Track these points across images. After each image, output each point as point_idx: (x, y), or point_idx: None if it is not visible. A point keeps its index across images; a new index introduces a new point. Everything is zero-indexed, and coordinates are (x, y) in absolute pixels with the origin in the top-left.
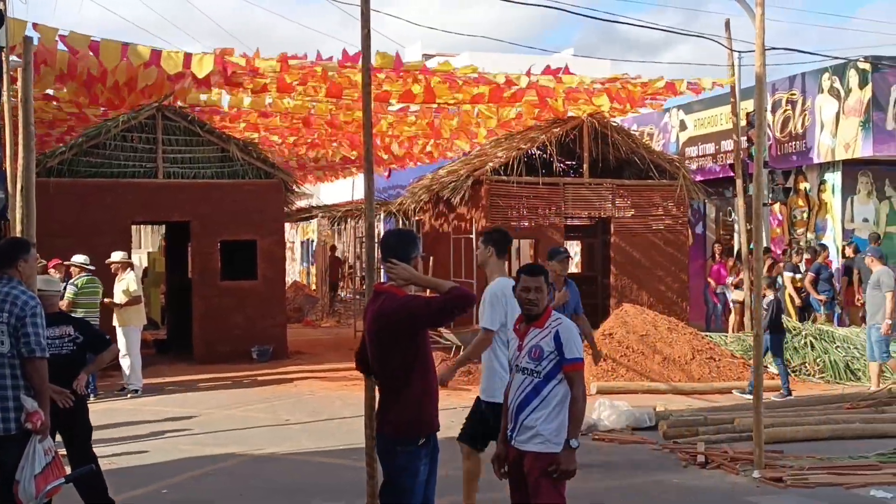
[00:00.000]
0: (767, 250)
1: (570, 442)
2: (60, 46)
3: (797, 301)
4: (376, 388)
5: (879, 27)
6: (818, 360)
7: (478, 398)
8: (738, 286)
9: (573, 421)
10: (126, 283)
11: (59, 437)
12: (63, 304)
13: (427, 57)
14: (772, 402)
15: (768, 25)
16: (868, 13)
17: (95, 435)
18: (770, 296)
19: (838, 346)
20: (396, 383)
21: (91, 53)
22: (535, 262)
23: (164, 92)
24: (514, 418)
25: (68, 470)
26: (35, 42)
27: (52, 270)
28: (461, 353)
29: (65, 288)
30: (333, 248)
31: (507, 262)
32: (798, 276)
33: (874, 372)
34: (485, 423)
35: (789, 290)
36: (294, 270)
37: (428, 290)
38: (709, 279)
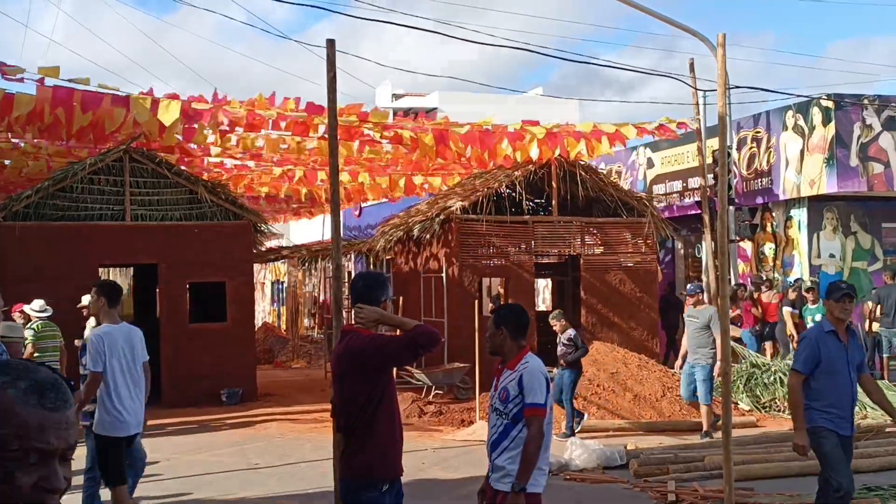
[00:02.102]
0: (744, 286)
1: (514, 485)
2: (18, 88)
3: (796, 337)
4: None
5: (846, 66)
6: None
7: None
8: (734, 322)
9: (522, 463)
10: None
11: None
12: (27, 350)
13: (397, 97)
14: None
15: (739, 65)
16: (836, 52)
17: None
18: (570, 331)
19: None
20: (362, 419)
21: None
22: (507, 301)
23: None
24: (489, 457)
25: None
26: None
27: (16, 315)
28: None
29: None
30: None
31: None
32: (796, 311)
33: (706, 413)
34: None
35: (789, 326)
36: (264, 311)
37: (397, 330)
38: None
